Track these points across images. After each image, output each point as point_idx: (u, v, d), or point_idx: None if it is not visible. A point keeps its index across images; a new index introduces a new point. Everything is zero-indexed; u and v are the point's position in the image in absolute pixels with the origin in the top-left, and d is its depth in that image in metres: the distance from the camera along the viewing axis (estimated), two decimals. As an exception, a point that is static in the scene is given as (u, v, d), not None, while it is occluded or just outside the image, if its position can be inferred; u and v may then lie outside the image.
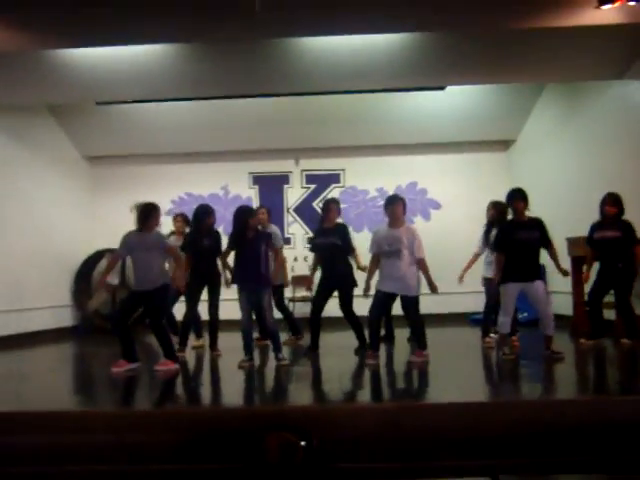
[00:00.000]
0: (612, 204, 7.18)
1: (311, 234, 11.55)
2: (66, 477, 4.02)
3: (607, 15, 6.47)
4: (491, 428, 4.05)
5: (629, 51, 7.96)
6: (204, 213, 7.59)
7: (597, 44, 7.73)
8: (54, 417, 4.37)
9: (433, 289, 6.53)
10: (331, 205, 7.70)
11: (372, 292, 6.72)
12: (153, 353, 7.25)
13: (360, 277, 7.19)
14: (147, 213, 6.42)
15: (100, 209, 11.74)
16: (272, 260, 6.81)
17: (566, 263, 8.42)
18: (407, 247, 6.42)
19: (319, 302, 7.40)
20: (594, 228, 7.35)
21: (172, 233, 8.49)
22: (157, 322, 6.48)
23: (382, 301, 6.54)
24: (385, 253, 6.46)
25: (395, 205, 6.57)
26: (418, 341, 6.66)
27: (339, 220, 7.82)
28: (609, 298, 7.35)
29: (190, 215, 7.98)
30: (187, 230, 8.27)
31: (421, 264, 6.52)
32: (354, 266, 7.50)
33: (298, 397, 5.19)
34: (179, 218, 8.56)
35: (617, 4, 6.14)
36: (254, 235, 6.56)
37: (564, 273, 6.60)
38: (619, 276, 7.11)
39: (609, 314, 7.50)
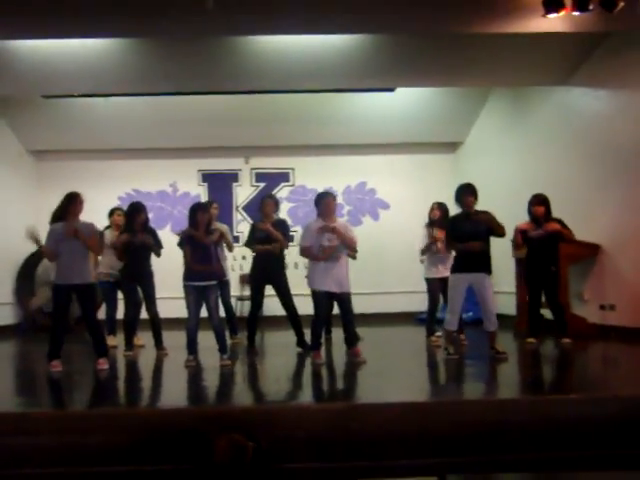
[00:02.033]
0: (540, 203, 7.37)
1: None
2: (8, 480, 3.93)
3: (553, 24, 6.62)
4: (438, 427, 4.11)
5: (572, 59, 8.22)
6: (135, 210, 7.46)
7: (542, 51, 7.95)
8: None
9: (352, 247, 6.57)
10: (267, 200, 7.73)
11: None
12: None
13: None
14: (65, 201, 6.31)
15: (45, 205, 11.28)
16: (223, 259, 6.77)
17: (510, 264, 8.66)
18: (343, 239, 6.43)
19: (259, 298, 7.47)
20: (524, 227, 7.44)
21: (108, 227, 8.31)
22: (91, 318, 6.41)
23: (326, 301, 6.48)
24: (324, 248, 6.35)
25: (328, 199, 6.55)
26: (354, 339, 6.56)
27: (276, 215, 7.81)
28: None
29: None
30: None
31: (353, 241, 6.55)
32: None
33: (246, 397, 5.19)
34: (118, 212, 8.36)
35: (562, 13, 6.28)
36: (206, 232, 6.51)
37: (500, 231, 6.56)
38: (548, 277, 7.31)
39: (548, 314, 7.68)
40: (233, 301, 8.80)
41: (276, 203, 7.78)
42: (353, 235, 6.57)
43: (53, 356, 6.20)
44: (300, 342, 7.30)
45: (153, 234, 7.55)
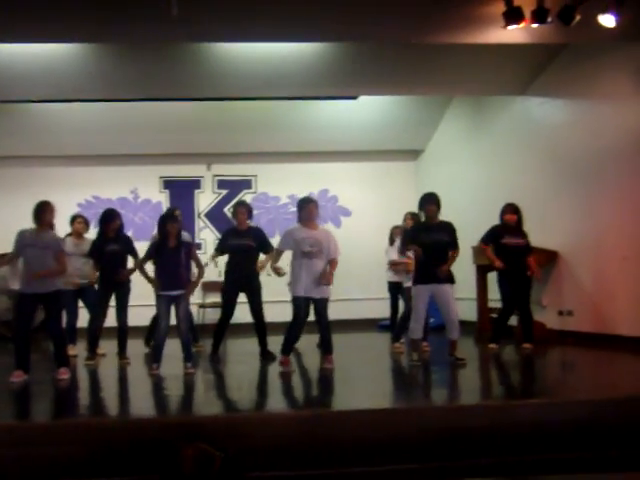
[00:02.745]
0: (512, 212, 7.50)
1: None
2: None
3: (512, 35, 6.74)
4: (405, 434, 4.15)
5: (531, 69, 8.41)
6: (108, 217, 7.39)
7: (502, 61, 8.10)
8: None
9: (327, 282, 6.47)
10: (239, 208, 7.70)
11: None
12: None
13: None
14: (39, 209, 6.18)
15: (3, 211, 11.22)
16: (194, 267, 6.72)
17: (471, 270, 8.78)
18: (326, 248, 6.44)
19: (232, 306, 7.41)
20: (500, 231, 7.52)
21: (69, 235, 8.18)
22: (56, 327, 6.29)
23: (305, 308, 6.44)
24: (305, 254, 6.33)
25: (311, 205, 6.55)
26: (329, 346, 6.58)
27: (251, 223, 7.77)
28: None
29: (93, 219, 7.78)
30: (86, 233, 8.11)
31: (333, 262, 6.56)
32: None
33: (212, 406, 5.15)
34: (79, 219, 8.22)
35: (522, 25, 6.41)
36: (176, 243, 6.46)
37: (445, 270, 6.53)
38: (523, 283, 7.42)
39: (510, 320, 7.80)
40: (195, 308, 8.74)
41: (249, 210, 7.69)
42: (336, 245, 6.59)
43: (18, 366, 6.03)
44: (264, 352, 7.26)
45: (127, 242, 7.46)
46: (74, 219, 8.27)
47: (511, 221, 7.49)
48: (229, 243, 7.47)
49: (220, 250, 7.64)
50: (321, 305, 6.44)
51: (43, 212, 6.18)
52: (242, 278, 7.33)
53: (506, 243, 7.46)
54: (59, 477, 3.85)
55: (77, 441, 4.09)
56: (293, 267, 6.45)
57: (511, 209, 7.53)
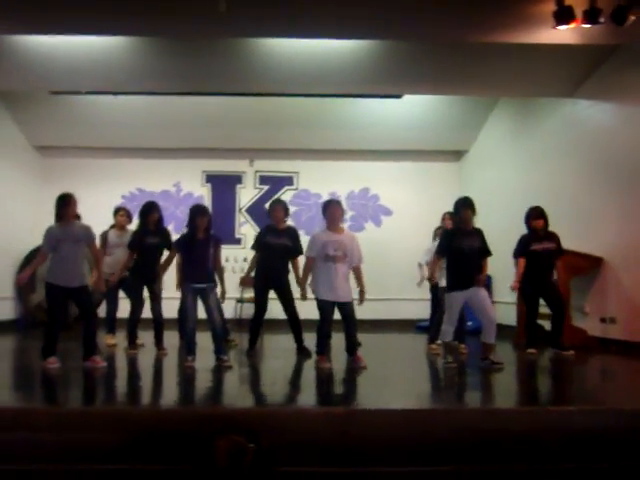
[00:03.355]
0: (538, 217, 7.39)
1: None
2: (5, 475, 3.92)
3: (563, 35, 6.65)
4: (437, 435, 4.11)
5: (580, 71, 8.24)
6: (147, 209, 7.48)
7: (550, 63, 7.97)
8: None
9: (363, 298, 6.53)
10: (276, 206, 7.69)
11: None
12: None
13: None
14: (60, 202, 6.30)
15: (48, 201, 11.25)
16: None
17: (511, 274, 8.65)
18: (350, 253, 6.41)
19: (264, 302, 7.44)
20: (529, 239, 7.46)
21: (112, 227, 8.31)
22: (90, 319, 6.40)
23: (331, 311, 6.43)
24: (329, 258, 6.32)
25: (334, 207, 6.54)
26: (354, 347, 6.52)
27: (288, 222, 7.78)
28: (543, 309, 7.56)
29: (136, 211, 7.87)
30: (129, 225, 8.20)
31: (358, 271, 6.54)
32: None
33: (246, 399, 5.18)
34: (122, 212, 8.34)
35: (573, 25, 6.30)
36: (205, 236, 6.51)
37: (482, 280, 6.52)
38: (552, 286, 7.34)
39: (549, 325, 7.68)
40: (232, 303, 8.77)
41: (285, 209, 7.66)
42: (360, 251, 6.56)
43: (48, 353, 6.16)
44: (300, 348, 7.28)
45: (165, 235, 7.54)
46: (117, 212, 8.39)
47: (538, 226, 7.39)
48: (266, 241, 7.48)
49: (257, 247, 7.64)
50: (347, 308, 6.43)
51: (66, 206, 6.28)
52: (273, 276, 7.36)
53: (535, 249, 7.39)
54: (94, 462, 3.91)
55: (113, 428, 4.14)
56: (316, 270, 6.44)
57: (536, 213, 7.43)
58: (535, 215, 7.42)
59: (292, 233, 7.56)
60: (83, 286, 6.32)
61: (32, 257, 10.76)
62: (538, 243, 7.41)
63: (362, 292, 6.53)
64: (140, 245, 7.38)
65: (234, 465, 3.59)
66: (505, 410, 4.62)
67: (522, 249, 7.50)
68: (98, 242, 8.02)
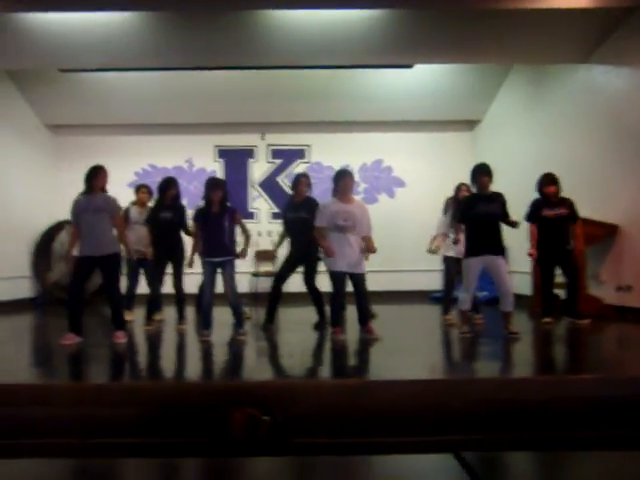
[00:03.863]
0: (551, 183, 7.32)
1: (275, 209, 11.57)
2: (24, 450, 3.98)
3: (575, -1, 6.52)
4: (452, 405, 4.12)
5: (594, 36, 8.08)
6: (164, 185, 7.53)
7: (564, 28, 7.82)
8: (12, 390, 4.31)
9: (371, 251, 6.45)
10: (301, 179, 7.72)
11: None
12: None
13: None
14: (90, 173, 6.31)
15: (62, 179, 11.50)
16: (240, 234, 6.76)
17: (527, 244, 8.60)
18: (359, 223, 6.39)
19: (284, 276, 7.42)
20: (540, 205, 7.40)
21: (134, 203, 8.34)
22: (113, 291, 6.38)
23: (343, 282, 6.43)
24: (338, 228, 6.31)
25: (347, 179, 6.50)
26: (366, 317, 6.52)
27: (308, 194, 7.76)
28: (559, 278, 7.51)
29: (155, 187, 7.90)
30: (150, 202, 8.19)
31: (368, 240, 6.49)
32: None
33: (261, 372, 5.21)
34: (143, 189, 8.39)
35: (586, -12, 6.18)
36: (219, 209, 6.50)
37: (514, 224, 6.50)
38: (567, 253, 7.27)
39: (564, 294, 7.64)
40: (248, 277, 8.77)
41: (309, 183, 7.72)
42: (369, 220, 6.52)
43: (70, 329, 6.21)
44: (322, 321, 7.32)
45: (180, 210, 7.54)
46: (138, 189, 8.44)
47: (550, 192, 7.31)
48: (285, 217, 7.56)
49: (283, 224, 7.74)
50: (358, 279, 6.42)
51: (95, 177, 6.30)
52: (299, 251, 7.35)
53: (546, 215, 7.34)
54: (111, 437, 3.95)
55: (130, 403, 4.19)
56: (327, 241, 6.41)
57: (548, 180, 7.35)
58: (547, 182, 7.35)
59: (310, 204, 7.48)
60: (112, 254, 6.28)
61: (48, 235, 10.92)
62: (549, 209, 7.35)
63: (369, 248, 6.41)
64: (155, 220, 7.42)
65: (249, 437, 3.62)
66: (521, 379, 4.62)
67: (533, 214, 7.45)
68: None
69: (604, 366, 5.45)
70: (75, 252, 6.42)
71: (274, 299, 7.45)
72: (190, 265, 6.99)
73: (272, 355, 6.16)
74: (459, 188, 7.79)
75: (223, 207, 6.55)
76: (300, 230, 7.33)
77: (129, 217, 8.02)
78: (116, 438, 3.97)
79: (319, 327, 7.22)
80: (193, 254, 6.72)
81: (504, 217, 6.49)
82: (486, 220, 6.35)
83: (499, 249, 6.38)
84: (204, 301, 6.52)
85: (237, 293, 6.61)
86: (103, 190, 6.37)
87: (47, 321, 9.14)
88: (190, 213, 7.46)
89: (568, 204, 7.34)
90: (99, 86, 10.58)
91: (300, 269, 7.48)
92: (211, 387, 4.43)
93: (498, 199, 6.48)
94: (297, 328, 7.41)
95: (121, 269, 6.62)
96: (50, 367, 5.61)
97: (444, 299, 7.92)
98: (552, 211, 7.32)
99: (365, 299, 6.47)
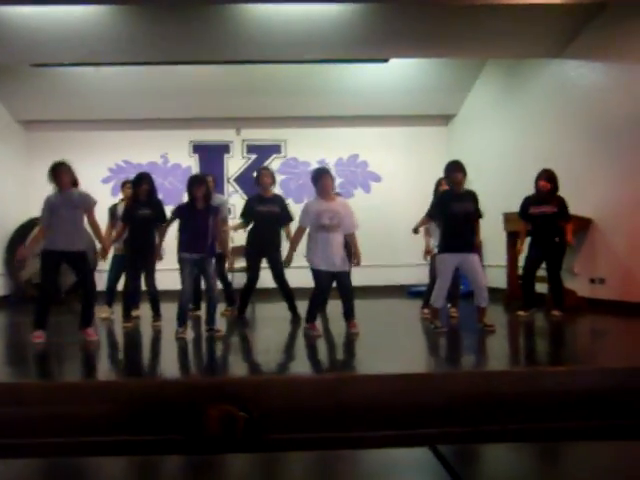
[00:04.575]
0: (547, 180, 7.39)
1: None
2: (-1, 450, 3.93)
3: (549, -7, 6.57)
4: (428, 398, 4.14)
5: (567, 30, 8.16)
6: (137, 181, 7.41)
7: (537, 22, 7.89)
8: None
9: (358, 262, 6.54)
10: (262, 171, 7.75)
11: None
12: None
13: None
14: (52, 172, 6.20)
15: (35, 175, 11.25)
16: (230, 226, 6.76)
17: (501, 237, 8.68)
18: (343, 220, 6.38)
19: (256, 270, 7.49)
20: (529, 202, 7.53)
21: (122, 201, 8.27)
22: (88, 287, 6.32)
23: (327, 281, 6.45)
24: (323, 227, 6.27)
25: (325, 176, 6.46)
26: (352, 313, 6.51)
27: (275, 189, 7.78)
28: (540, 272, 7.59)
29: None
30: None
31: (353, 237, 6.52)
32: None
33: (236, 368, 5.20)
34: (128, 185, 8.24)
35: (558, -17, 6.22)
36: (204, 206, 6.46)
37: (478, 244, 6.74)
38: (554, 250, 7.36)
39: (540, 287, 7.72)
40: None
41: (272, 175, 7.71)
42: (353, 217, 6.53)
43: (36, 326, 6.11)
44: (295, 316, 7.32)
45: (157, 206, 7.43)
46: (124, 185, 8.36)
47: (544, 188, 7.39)
48: (256, 210, 7.48)
49: (246, 217, 7.63)
50: (343, 277, 6.43)
51: (57, 174, 6.18)
52: (265, 244, 7.37)
53: (532, 213, 7.46)
54: (85, 435, 3.91)
55: (104, 401, 4.15)
56: (310, 240, 6.39)
57: (545, 175, 7.43)
58: (543, 177, 7.44)
59: (279, 200, 7.61)
60: (82, 252, 6.21)
61: (21, 232, 10.77)
62: (535, 207, 7.43)
63: (356, 255, 6.49)
64: (131, 217, 7.32)
65: (226, 434, 3.60)
66: (496, 372, 4.65)
67: (521, 211, 7.58)
68: (106, 216, 8.02)
69: (578, 358, 5.53)
70: (38, 248, 6.34)
71: (249, 295, 7.48)
72: (160, 258, 7.00)
73: (248, 351, 6.14)
74: (440, 182, 7.81)
75: (208, 204, 6.51)
76: (271, 224, 7.40)
77: (116, 214, 7.96)
78: (91, 436, 3.93)
79: (293, 322, 7.22)
80: (160, 247, 6.73)
81: (476, 215, 6.54)
82: (459, 218, 6.37)
83: (471, 247, 6.43)
84: (183, 298, 6.46)
85: (217, 290, 6.57)
86: (75, 185, 6.29)
87: (20, 319, 9.02)
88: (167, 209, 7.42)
89: (558, 202, 7.40)
90: (72, 81, 10.45)
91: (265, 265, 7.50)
92: (187, 384, 4.41)
93: (471, 197, 6.52)
94: (272, 324, 7.40)
95: (91, 265, 6.57)
96: (24, 365, 5.54)
97: (427, 293, 7.92)
98: (537, 209, 7.41)
99: (350, 296, 6.48)
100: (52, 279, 6.32)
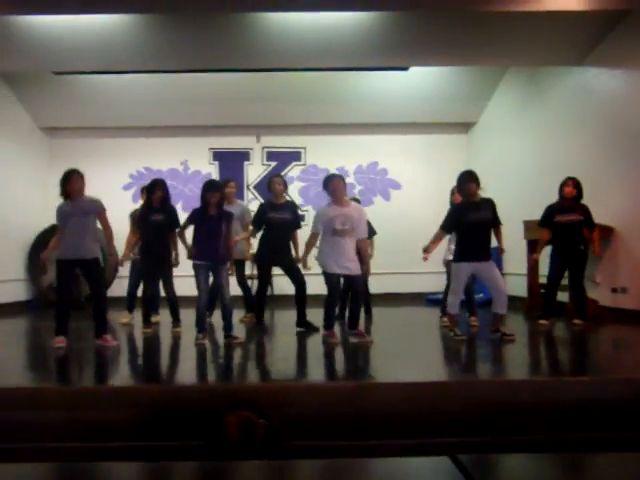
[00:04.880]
0: (573, 186, 7.35)
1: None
2: (19, 454, 3.96)
3: (569, 1, 6.53)
4: (448, 407, 4.11)
5: (588, 38, 8.11)
6: (150, 187, 7.43)
7: (558, 30, 7.85)
8: (6, 393, 4.29)
9: (367, 270, 6.53)
10: (275, 179, 7.73)
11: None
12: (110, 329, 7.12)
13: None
14: (62, 180, 6.34)
15: (57, 182, 11.40)
16: (239, 236, 6.75)
17: (521, 245, 8.63)
18: (356, 226, 6.37)
19: (268, 278, 7.57)
20: (553, 210, 7.47)
21: (142, 206, 8.32)
22: (98, 294, 6.40)
23: (338, 284, 6.45)
24: (337, 232, 6.28)
25: (336, 181, 6.46)
26: (356, 321, 6.49)
27: (285, 195, 7.80)
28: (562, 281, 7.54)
29: None
30: None
31: (364, 244, 6.50)
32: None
33: (255, 375, 5.20)
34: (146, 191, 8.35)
35: (580, -9, 6.20)
36: (216, 212, 6.48)
37: (501, 251, 6.60)
38: (577, 259, 7.30)
39: (561, 296, 7.66)
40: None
41: (284, 182, 7.71)
42: (365, 223, 6.52)
43: (57, 332, 6.21)
44: (301, 323, 7.30)
45: (171, 212, 7.46)
46: (143, 191, 8.41)
47: (569, 194, 7.34)
48: (268, 217, 7.47)
49: (258, 224, 7.63)
50: (357, 282, 6.43)
51: (68, 182, 6.31)
52: (277, 251, 7.36)
53: (558, 221, 7.39)
54: (104, 440, 3.94)
55: (125, 406, 4.17)
56: (323, 244, 6.40)
57: (572, 183, 7.40)
58: (567, 183, 7.40)
59: (292, 207, 7.63)
60: (93, 259, 6.30)
61: (43, 238, 10.88)
62: (561, 214, 7.38)
63: (365, 263, 6.47)
64: (145, 223, 7.35)
65: (245, 441, 3.60)
66: (516, 381, 4.61)
67: (544, 219, 7.51)
68: (127, 222, 8.08)
69: (600, 368, 5.46)
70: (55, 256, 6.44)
71: (262, 302, 7.56)
72: (176, 264, 7.05)
73: (267, 358, 6.14)
74: (453, 191, 7.79)
75: (221, 210, 6.53)
76: (284, 231, 7.40)
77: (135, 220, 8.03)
78: (111, 442, 3.95)
79: (308, 328, 7.19)
80: (176, 253, 6.79)
81: (495, 223, 6.48)
82: (476, 227, 6.33)
83: (488, 255, 6.35)
84: (199, 305, 6.48)
85: (230, 297, 6.58)
86: (81, 193, 6.37)
87: (43, 324, 9.09)
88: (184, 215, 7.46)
89: (583, 210, 7.35)
90: (94, 88, 10.57)
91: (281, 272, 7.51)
92: (206, 390, 4.41)
93: (488, 205, 6.47)
94: (291, 331, 7.39)
95: (101, 272, 6.67)
96: (45, 370, 5.59)
97: (443, 301, 7.90)
98: (565, 217, 7.35)
99: (359, 302, 6.46)
100: (67, 287, 6.41)
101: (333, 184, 6.43)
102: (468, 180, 6.42)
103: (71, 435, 4.02)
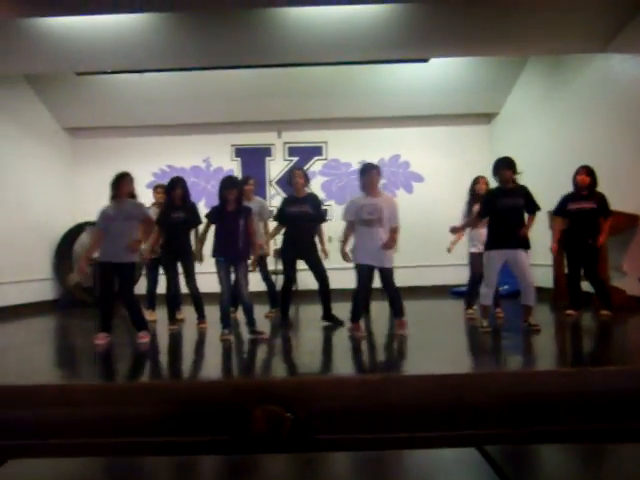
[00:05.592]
0: (586, 174, 7.25)
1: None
2: (50, 450, 4.02)
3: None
4: (475, 399, 4.10)
5: (611, 25, 7.99)
6: (170, 186, 7.50)
7: (580, 17, 7.75)
8: (36, 391, 4.36)
9: (389, 246, 6.47)
10: (295, 171, 7.71)
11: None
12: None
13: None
14: (116, 180, 6.44)
15: (80, 181, 11.63)
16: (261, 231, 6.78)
17: (547, 236, 8.54)
18: (386, 216, 6.36)
19: (293, 272, 7.54)
20: (567, 199, 7.38)
21: (153, 205, 8.40)
22: (127, 296, 6.49)
23: (367, 275, 6.47)
24: (364, 222, 6.31)
25: (372, 172, 6.48)
26: (400, 311, 6.51)
27: (307, 189, 7.74)
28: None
29: None
30: None
31: (395, 232, 6.48)
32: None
33: (282, 369, 5.22)
34: (159, 189, 8.43)
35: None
36: (234, 208, 6.51)
37: (523, 232, 6.38)
38: (585, 252, 7.22)
39: (588, 286, 7.58)
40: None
41: (305, 175, 7.67)
42: (396, 213, 6.50)
43: (101, 329, 6.37)
44: (327, 317, 7.31)
45: (192, 210, 7.54)
46: (155, 189, 8.48)
47: (582, 182, 7.24)
48: (287, 212, 7.47)
49: (280, 219, 7.65)
50: (386, 274, 6.39)
51: (118, 184, 6.44)
52: (301, 246, 7.35)
53: (570, 209, 7.32)
54: (135, 436, 3.98)
55: (153, 402, 4.22)
56: (355, 234, 6.45)
57: (584, 171, 7.29)
58: (582, 172, 7.31)
59: (313, 200, 7.54)
60: (131, 263, 6.45)
61: (69, 238, 11.03)
62: (574, 203, 7.30)
63: (388, 244, 6.39)
64: (166, 221, 7.41)
65: (272, 435, 3.63)
66: (543, 372, 4.59)
67: (559, 208, 7.44)
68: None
69: (628, 358, 5.41)
70: (95, 255, 6.58)
71: (288, 296, 7.54)
72: (200, 260, 7.08)
73: (292, 352, 6.17)
74: (477, 181, 7.76)
75: (239, 206, 6.56)
76: (304, 225, 7.37)
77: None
78: (140, 437, 4.00)
79: (333, 322, 7.20)
80: (200, 249, 6.87)
81: (531, 209, 6.39)
82: (508, 214, 6.27)
83: (521, 243, 6.28)
84: (222, 300, 6.53)
85: (248, 293, 6.61)
86: (131, 196, 6.49)
87: (70, 322, 9.22)
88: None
89: (598, 198, 7.25)
90: (115, 88, 10.66)
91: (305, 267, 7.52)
92: (233, 385, 4.44)
93: (522, 192, 6.40)
94: (316, 325, 7.41)
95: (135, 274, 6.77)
96: (75, 367, 5.68)
97: (467, 294, 7.88)
98: (576, 205, 7.27)
99: (394, 294, 6.45)
100: (108, 287, 6.54)
101: (367, 175, 6.46)
102: (504, 166, 6.38)
103: (103, 431, 4.08)
